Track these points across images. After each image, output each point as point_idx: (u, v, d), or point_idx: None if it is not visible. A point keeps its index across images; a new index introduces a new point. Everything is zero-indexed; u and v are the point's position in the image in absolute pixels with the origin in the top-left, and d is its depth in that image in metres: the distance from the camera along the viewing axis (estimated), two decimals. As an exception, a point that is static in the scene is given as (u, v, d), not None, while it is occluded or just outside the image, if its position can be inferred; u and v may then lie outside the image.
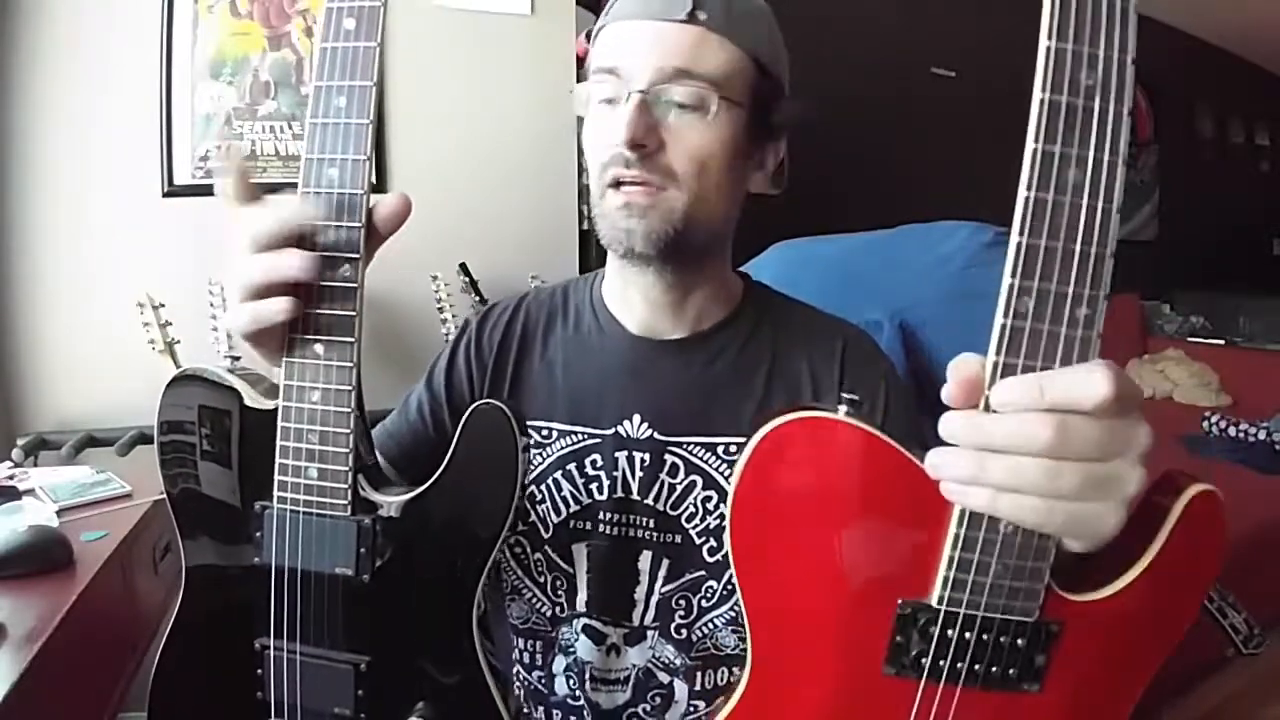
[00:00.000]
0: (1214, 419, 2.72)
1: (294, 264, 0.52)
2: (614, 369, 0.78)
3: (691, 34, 0.67)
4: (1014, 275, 0.43)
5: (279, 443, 0.57)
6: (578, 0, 2.00)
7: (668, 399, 0.76)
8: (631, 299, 0.78)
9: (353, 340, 0.54)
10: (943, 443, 0.45)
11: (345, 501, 0.57)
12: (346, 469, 0.56)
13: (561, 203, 2.02)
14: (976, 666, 0.49)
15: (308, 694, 0.60)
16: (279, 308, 0.52)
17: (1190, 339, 3.32)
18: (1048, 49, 0.41)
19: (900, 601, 0.49)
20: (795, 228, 1.26)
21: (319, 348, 0.54)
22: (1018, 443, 0.42)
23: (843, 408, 0.50)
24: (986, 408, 0.43)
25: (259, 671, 0.61)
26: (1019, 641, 0.48)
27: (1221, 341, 3.28)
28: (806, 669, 0.54)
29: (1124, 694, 0.52)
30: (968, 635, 0.49)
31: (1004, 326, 0.43)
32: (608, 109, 0.70)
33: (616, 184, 0.69)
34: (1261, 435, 2.56)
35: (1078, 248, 0.42)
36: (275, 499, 0.58)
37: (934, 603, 0.49)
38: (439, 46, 1.90)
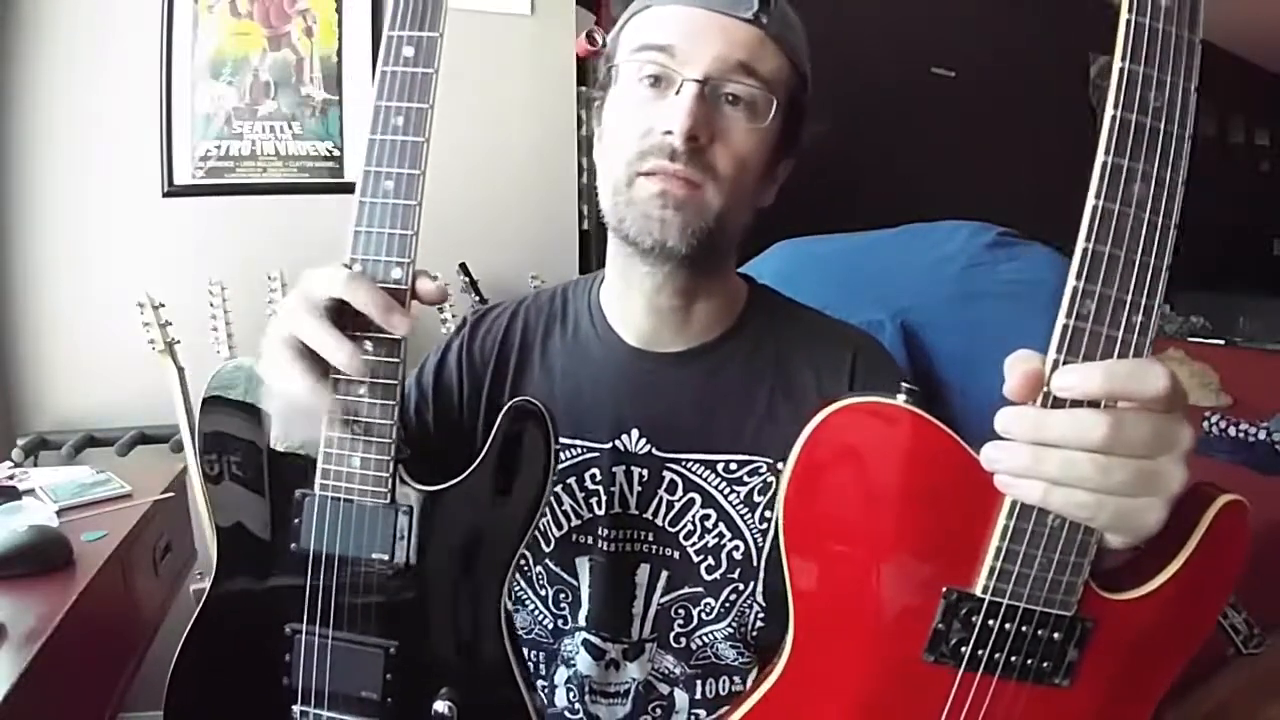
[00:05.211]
0: (1214, 419, 2.71)
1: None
2: (612, 380, 0.75)
3: (754, 33, 0.66)
4: (1079, 279, 0.44)
5: (324, 433, 0.59)
6: (578, 0, 2.00)
7: (666, 414, 0.74)
8: (633, 306, 0.75)
9: (400, 338, 0.57)
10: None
11: (385, 490, 0.59)
12: (388, 459, 0.59)
13: (561, 203, 2.02)
14: (1013, 658, 0.51)
15: (336, 678, 0.62)
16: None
17: (1190, 339, 3.31)
18: (1121, 69, 0.44)
19: (945, 589, 0.51)
20: (795, 228, 1.25)
21: (368, 344, 0.57)
22: (1072, 438, 0.43)
23: (901, 396, 0.51)
24: (1044, 404, 0.45)
25: (286, 657, 0.62)
26: (1055, 635, 0.50)
27: (1221, 341, 3.27)
28: (847, 652, 0.56)
29: (1146, 696, 0.53)
30: (1008, 626, 0.50)
31: (1066, 327, 0.45)
32: (649, 91, 0.66)
33: (651, 171, 0.66)
34: (1262, 435, 2.55)
35: (1138, 258, 0.44)
36: (317, 486, 0.60)
37: (978, 592, 0.50)
38: (439, 46, 1.90)
